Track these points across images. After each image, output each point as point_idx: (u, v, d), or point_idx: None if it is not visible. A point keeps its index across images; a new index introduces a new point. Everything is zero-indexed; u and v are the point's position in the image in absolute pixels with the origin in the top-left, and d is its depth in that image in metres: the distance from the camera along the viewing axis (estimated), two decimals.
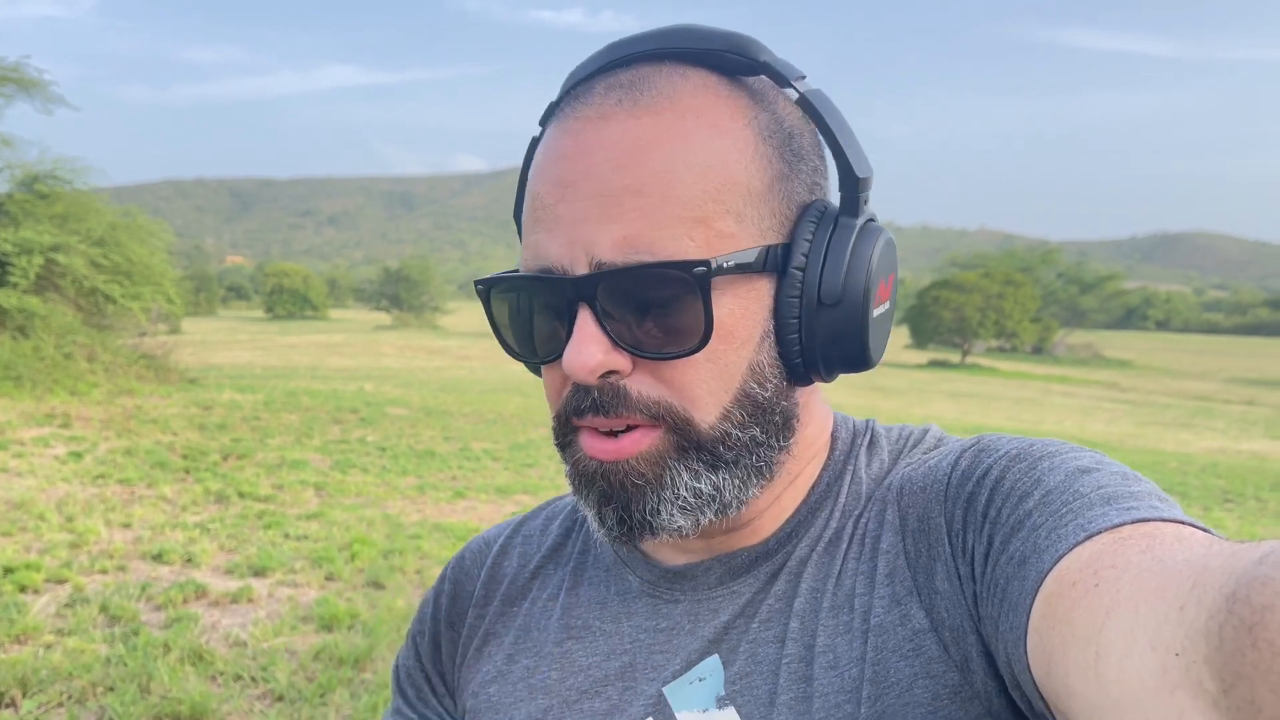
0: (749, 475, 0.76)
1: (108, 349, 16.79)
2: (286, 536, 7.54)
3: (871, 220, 0.77)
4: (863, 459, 0.85)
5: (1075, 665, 0.54)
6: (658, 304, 0.70)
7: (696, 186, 0.70)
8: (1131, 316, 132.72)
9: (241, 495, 8.90)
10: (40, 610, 5.62)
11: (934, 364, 46.10)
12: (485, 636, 0.92)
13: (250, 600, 6.04)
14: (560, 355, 0.72)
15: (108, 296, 17.58)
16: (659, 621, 0.84)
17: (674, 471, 0.73)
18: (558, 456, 0.81)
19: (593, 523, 0.77)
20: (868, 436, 0.88)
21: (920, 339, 52.45)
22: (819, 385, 0.82)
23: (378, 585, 6.45)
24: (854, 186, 0.75)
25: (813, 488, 0.84)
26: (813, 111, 0.75)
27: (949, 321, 49.76)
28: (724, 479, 0.75)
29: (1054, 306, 63.37)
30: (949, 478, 0.76)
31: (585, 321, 0.70)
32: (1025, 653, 0.61)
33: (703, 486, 0.74)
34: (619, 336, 0.71)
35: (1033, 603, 0.60)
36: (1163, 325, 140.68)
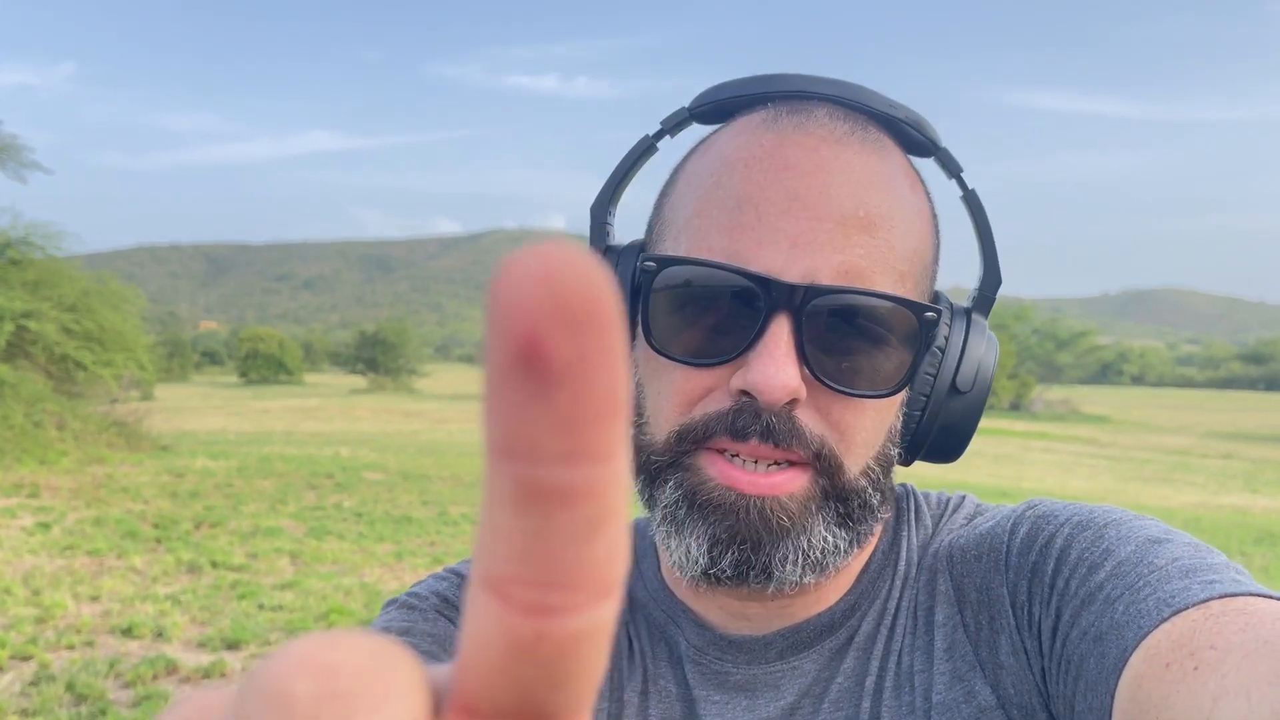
0: (854, 540, 0.72)
1: (78, 416, 16.53)
2: (261, 607, 7.35)
3: None
4: (913, 526, 0.81)
5: None
6: (866, 337, 0.66)
7: (905, 240, 0.68)
8: (1107, 372, 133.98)
9: (214, 565, 8.70)
10: (4, 689, 5.42)
11: None
12: None
13: (223, 675, 5.84)
14: (724, 360, 0.67)
15: (79, 363, 17.36)
16: (709, 693, 0.76)
17: (815, 520, 0.69)
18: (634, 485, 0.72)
19: (690, 558, 0.69)
20: (911, 502, 0.83)
21: None
22: None
23: None
24: (993, 288, 0.77)
25: (871, 556, 0.79)
26: (977, 208, 0.76)
27: None
28: (844, 538, 0.70)
29: (1030, 363, 63.86)
30: (1007, 545, 0.72)
31: (782, 336, 0.65)
32: None
33: (830, 540, 0.69)
34: (812, 360, 0.66)
35: (1117, 683, 0.56)
36: (1138, 380, 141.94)
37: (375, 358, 66.65)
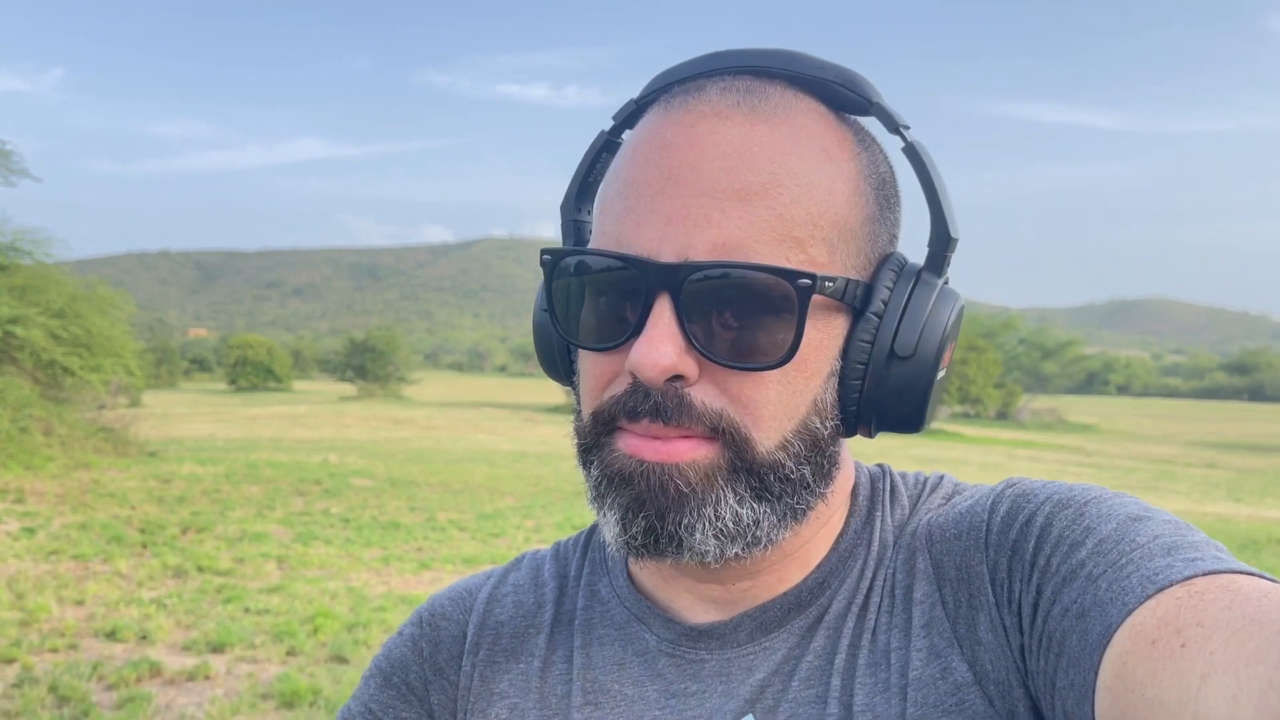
0: (786, 515, 0.71)
1: (65, 422, 16.47)
2: (247, 611, 7.35)
3: (947, 282, 0.75)
4: (888, 506, 0.82)
5: None
6: (747, 310, 0.66)
7: (799, 206, 0.67)
8: (1093, 381, 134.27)
9: (200, 569, 8.69)
10: None
11: None
12: (490, 695, 0.83)
13: (207, 678, 5.85)
14: (619, 344, 0.68)
15: (66, 369, 17.26)
16: (687, 684, 0.78)
17: (721, 491, 0.68)
18: (579, 476, 0.74)
19: (611, 531, 0.71)
20: (888, 482, 0.84)
21: None
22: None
23: (341, 660, 6.29)
24: (944, 245, 0.74)
25: (841, 534, 0.80)
26: (918, 161, 0.73)
27: None
28: (765, 512, 0.70)
29: (1017, 372, 64.03)
30: (987, 523, 0.73)
31: (663, 315, 0.66)
32: (1092, 712, 0.57)
33: (744, 514, 0.69)
34: (695, 338, 0.66)
35: (1101, 659, 0.57)
36: (1123, 390, 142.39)
37: (364, 365, 66.40)
